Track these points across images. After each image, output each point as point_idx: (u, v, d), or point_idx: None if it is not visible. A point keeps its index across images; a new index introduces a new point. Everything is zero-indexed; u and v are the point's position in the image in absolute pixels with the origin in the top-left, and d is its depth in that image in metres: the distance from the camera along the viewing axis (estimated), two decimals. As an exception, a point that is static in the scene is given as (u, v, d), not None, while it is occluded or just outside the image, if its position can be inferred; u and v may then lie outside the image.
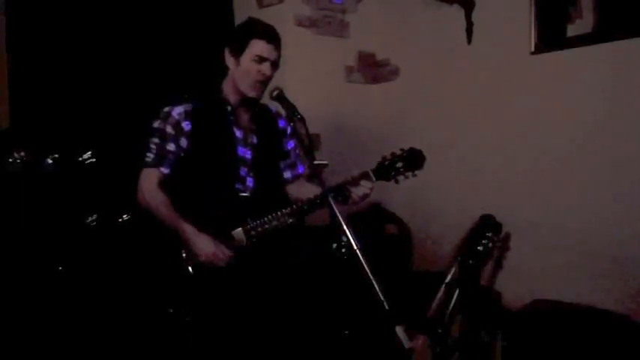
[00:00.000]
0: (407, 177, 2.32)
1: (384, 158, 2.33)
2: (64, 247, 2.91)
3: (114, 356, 2.79)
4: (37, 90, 3.28)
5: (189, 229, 2.30)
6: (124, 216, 3.00)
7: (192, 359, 2.38)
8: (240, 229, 2.34)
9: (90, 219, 2.98)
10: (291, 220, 2.33)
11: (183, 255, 2.35)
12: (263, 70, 2.35)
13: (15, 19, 3.25)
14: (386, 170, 2.31)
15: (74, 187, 2.97)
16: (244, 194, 2.42)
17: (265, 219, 2.33)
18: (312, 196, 2.32)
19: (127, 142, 3.17)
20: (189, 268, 2.34)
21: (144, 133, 2.48)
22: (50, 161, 2.91)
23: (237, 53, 2.38)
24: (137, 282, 2.70)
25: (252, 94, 2.39)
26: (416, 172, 2.32)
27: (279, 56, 2.41)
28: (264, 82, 2.38)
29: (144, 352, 2.64)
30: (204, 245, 2.29)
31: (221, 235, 2.34)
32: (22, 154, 2.82)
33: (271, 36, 2.37)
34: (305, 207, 2.32)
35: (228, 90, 2.46)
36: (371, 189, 2.32)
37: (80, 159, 2.98)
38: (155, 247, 2.44)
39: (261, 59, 2.35)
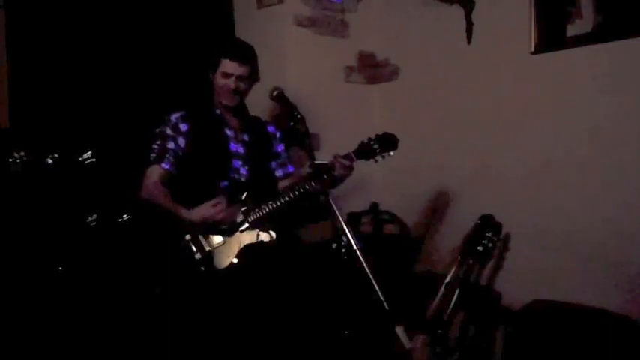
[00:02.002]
0: (384, 157, 2.58)
1: (362, 141, 2.60)
2: (64, 247, 2.91)
3: (114, 356, 2.79)
4: (37, 90, 3.28)
5: (183, 211, 2.54)
6: (124, 216, 3.01)
7: (192, 358, 2.38)
8: (239, 211, 2.55)
9: (90, 219, 2.98)
10: (285, 200, 2.52)
11: (186, 237, 2.48)
12: (229, 84, 2.67)
13: (15, 19, 3.25)
14: (365, 151, 2.58)
15: (74, 187, 2.97)
16: (240, 181, 2.67)
17: (261, 203, 2.55)
18: (302, 180, 2.55)
19: (126, 142, 3.18)
20: (197, 255, 2.49)
21: (143, 133, 2.66)
22: (50, 161, 2.91)
23: (213, 71, 2.71)
24: (137, 282, 2.71)
25: (228, 102, 2.71)
26: (391, 152, 2.59)
27: (248, 70, 2.68)
28: (235, 93, 2.68)
29: (143, 351, 2.64)
30: (200, 211, 2.53)
31: None
32: (22, 154, 2.82)
33: (235, 54, 2.67)
34: (298, 188, 2.52)
35: (216, 99, 2.76)
36: (351, 167, 2.57)
37: (80, 159, 2.98)
38: (155, 246, 2.46)
39: (227, 75, 2.66)
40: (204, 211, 2.52)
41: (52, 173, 2.91)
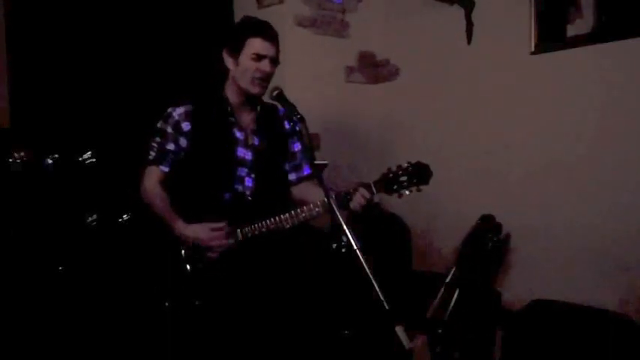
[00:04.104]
0: (411, 192, 2.29)
1: (389, 170, 2.30)
2: (64, 247, 2.91)
3: (113, 355, 2.79)
4: (37, 90, 3.28)
5: (179, 224, 2.36)
6: (124, 216, 3.01)
7: (192, 356, 2.38)
8: (237, 230, 2.38)
9: (90, 219, 2.98)
10: (288, 226, 2.34)
11: (183, 253, 2.37)
12: (262, 68, 2.37)
13: (15, 18, 3.25)
14: (389, 184, 2.29)
15: (74, 187, 2.97)
16: (246, 196, 2.44)
17: (262, 223, 2.35)
18: (311, 204, 2.32)
19: (126, 142, 3.18)
20: (187, 267, 2.36)
21: (144, 133, 2.52)
22: (50, 161, 2.91)
23: (236, 53, 2.40)
24: (136, 282, 2.71)
25: (254, 90, 2.40)
26: (421, 187, 2.29)
27: (277, 52, 2.41)
28: (265, 78, 2.39)
29: (142, 351, 2.64)
30: (196, 230, 2.34)
31: None
32: (22, 154, 2.82)
33: (267, 33, 2.38)
34: (303, 215, 2.33)
35: (229, 91, 2.48)
36: (370, 200, 2.30)
37: (80, 159, 2.98)
38: (155, 246, 2.46)
39: (259, 57, 2.36)
40: (202, 232, 2.33)
41: (52, 173, 2.91)
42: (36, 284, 2.82)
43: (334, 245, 3.02)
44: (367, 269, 1.97)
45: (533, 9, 3.11)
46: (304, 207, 2.33)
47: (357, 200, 2.28)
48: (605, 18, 2.90)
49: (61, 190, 2.95)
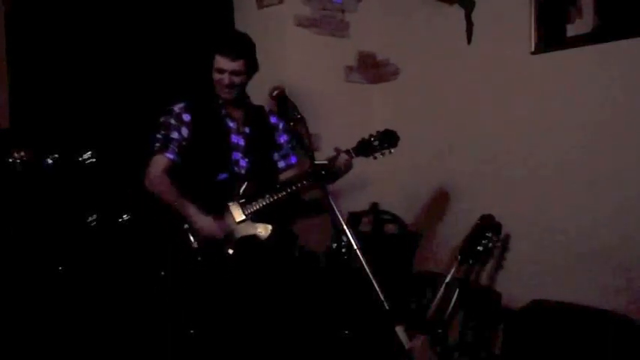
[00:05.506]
0: (383, 154, 2.66)
1: (363, 138, 2.67)
2: (64, 247, 2.91)
3: (114, 355, 2.79)
4: (37, 90, 3.28)
5: (192, 209, 2.54)
6: (124, 216, 3.01)
7: (192, 357, 2.38)
8: (235, 202, 2.58)
9: (90, 219, 2.98)
10: (283, 194, 2.57)
11: (185, 226, 2.52)
12: (223, 80, 2.65)
13: (15, 18, 3.25)
14: (364, 148, 2.66)
15: (74, 187, 2.98)
16: (242, 175, 2.67)
17: (261, 196, 2.58)
18: (301, 174, 2.58)
19: (126, 142, 3.18)
20: (194, 250, 2.48)
21: (143, 133, 2.62)
22: (50, 161, 2.91)
23: (211, 66, 2.69)
24: (137, 282, 2.72)
25: (224, 96, 2.70)
26: (392, 150, 2.67)
27: (241, 64, 2.63)
28: (229, 87, 2.65)
29: (142, 351, 2.64)
30: (205, 223, 2.53)
31: (218, 208, 2.58)
32: (22, 154, 2.82)
33: (226, 50, 2.63)
34: (296, 183, 2.57)
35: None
36: (350, 162, 2.65)
37: (80, 159, 2.99)
38: (156, 245, 2.47)
39: (220, 71, 2.64)
40: (210, 225, 2.52)
41: (52, 173, 2.92)
42: (36, 284, 2.82)
43: (334, 245, 3.03)
44: (367, 269, 1.97)
45: (533, 9, 3.11)
46: (296, 177, 2.61)
47: (341, 160, 2.62)
48: (605, 18, 2.90)
49: (61, 190, 2.95)
